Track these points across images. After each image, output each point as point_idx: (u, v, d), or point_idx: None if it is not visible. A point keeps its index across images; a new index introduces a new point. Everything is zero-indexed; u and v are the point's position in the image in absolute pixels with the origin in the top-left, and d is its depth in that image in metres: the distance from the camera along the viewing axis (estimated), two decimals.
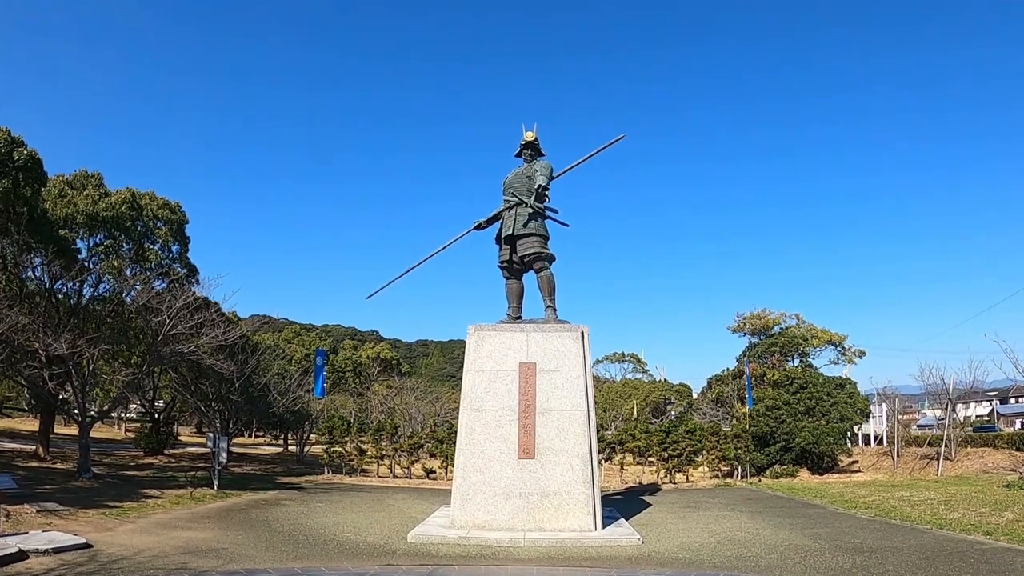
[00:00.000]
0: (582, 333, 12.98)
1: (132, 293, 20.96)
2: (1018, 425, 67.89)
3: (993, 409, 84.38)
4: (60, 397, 22.70)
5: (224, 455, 20.59)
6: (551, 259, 14.22)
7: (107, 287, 22.43)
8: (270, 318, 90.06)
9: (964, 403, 51.79)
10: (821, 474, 30.68)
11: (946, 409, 35.75)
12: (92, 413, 22.92)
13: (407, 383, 51.98)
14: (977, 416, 73.30)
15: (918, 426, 55.91)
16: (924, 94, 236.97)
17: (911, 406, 59.66)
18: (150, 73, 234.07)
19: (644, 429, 29.13)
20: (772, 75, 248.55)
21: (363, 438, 27.20)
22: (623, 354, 74.26)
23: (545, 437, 12.40)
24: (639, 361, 74.35)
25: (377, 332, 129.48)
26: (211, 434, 20.77)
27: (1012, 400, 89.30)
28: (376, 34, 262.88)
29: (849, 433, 35.95)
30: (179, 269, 24.77)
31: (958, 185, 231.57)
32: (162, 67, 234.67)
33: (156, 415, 35.94)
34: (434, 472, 25.06)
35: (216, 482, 19.73)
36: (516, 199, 14.00)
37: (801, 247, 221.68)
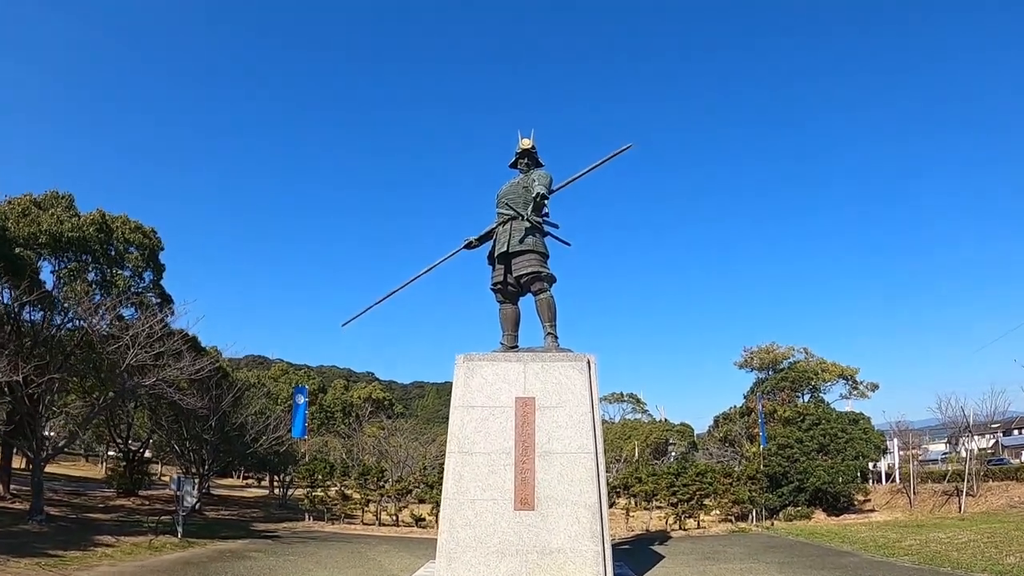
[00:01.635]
0: (588, 363, 11.23)
1: (95, 320, 19.26)
2: None
3: (997, 441, 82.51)
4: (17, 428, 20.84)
5: (190, 499, 18.75)
6: (552, 280, 12.45)
7: (71, 313, 20.78)
8: (264, 358, 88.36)
9: (968, 436, 50.44)
10: (837, 515, 29.00)
11: (966, 442, 34.20)
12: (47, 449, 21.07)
13: (400, 425, 50.23)
14: (981, 449, 71.70)
15: (919, 461, 54.29)
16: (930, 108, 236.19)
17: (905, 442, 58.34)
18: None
19: (651, 472, 27.30)
20: (778, 103, 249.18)
21: (347, 482, 25.36)
22: (621, 394, 72.91)
23: (546, 484, 10.60)
24: (638, 401, 73.07)
25: (372, 374, 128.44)
26: (176, 476, 18.93)
27: (1016, 431, 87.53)
28: (371, 47, 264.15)
29: (861, 470, 34.27)
30: (152, 298, 23.13)
31: (971, 202, 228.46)
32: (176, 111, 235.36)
33: (130, 454, 34.00)
34: (423, 520, 23.18)
35: (180, 529, 17.87)
36: (511, 212, 12.32)
37: (806, 278, 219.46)
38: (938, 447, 79.05)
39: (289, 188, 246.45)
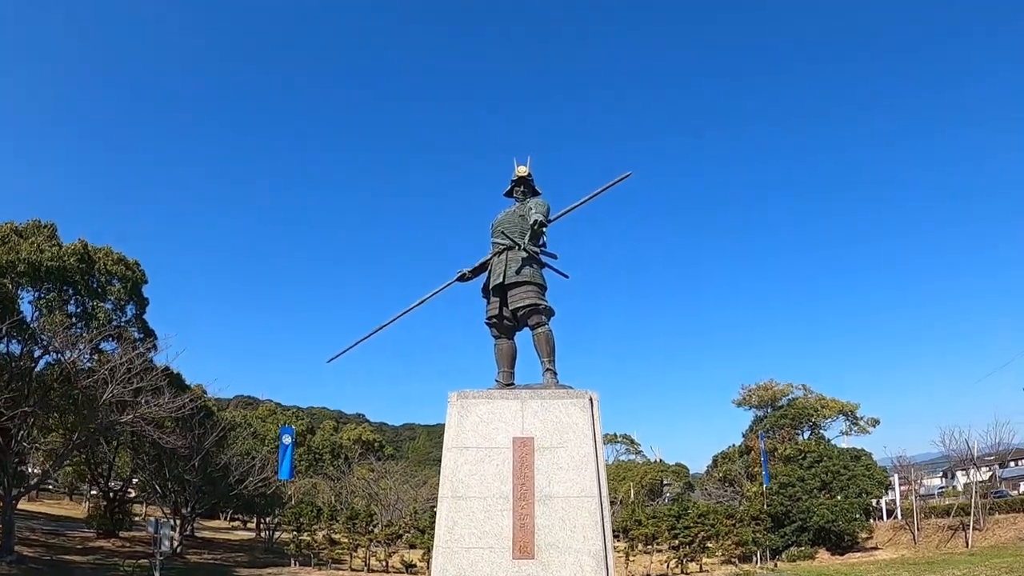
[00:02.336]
0: (590, 400, 10.55)
1: (73, 353, 18.55)
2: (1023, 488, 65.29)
3: (994, 474, 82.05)
4: None
5: (168, 542, 17.86)
6: (550, 313, 11.71)
7: (49, 346, 20.06)
8: (253, 399, 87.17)
9: (963, 470, 50.33)
10: (842, 554, 28.28)
11: (969, 475, 33.85)
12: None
13: (390, 467, 49.32)
14: (980, 482, 71.05)
15: (919, 496, 53.74)
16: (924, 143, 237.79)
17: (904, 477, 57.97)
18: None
19: (651, 514, 26.54)
20: (779, 138, 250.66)
21: (335, 526, 24.44)
22: (615, 435, 72.48)
23: (547, 531, 9.87)
24: (632, 442, 72.97)
25: (363, 415, 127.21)
26: (153, 518, 18.08)
27: (1012, 463, 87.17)
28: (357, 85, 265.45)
29: (864, 508, 33.60)
30: (134, 332, 22.47)
31: (969, 231, 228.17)
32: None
33: (111, 493, 32.91)
34: (414, 566, 22.28)
35: (157, 575, 16.94)
36: (507, 241, 11.66)
37: (804, 314, 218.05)
38: (935, 481, 78.23)
39: (284, 228, 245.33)
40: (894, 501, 41.44)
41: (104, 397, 17.39)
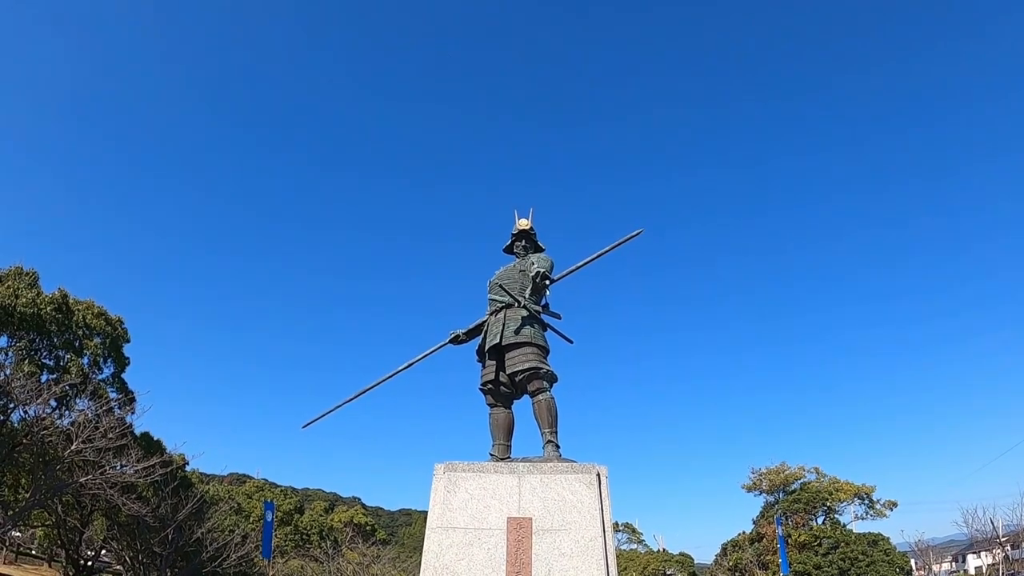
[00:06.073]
0: (598, 476, 9.31)
1: (38, 406, 17.37)
2: None
3: (1007, 555, 78.59)
4: None
5: None
6: (553, 378, 10.53)
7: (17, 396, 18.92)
8: (248, 476, 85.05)
9: (986, 551, 47.85)
10: None
11: (995, 555, 32.38)
12: None
13: (385, 552, 47.19)
14: (989, 565, 68.52)
15: None
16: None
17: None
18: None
19: None
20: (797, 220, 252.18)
21: None
22: (616, 523, 69.82)
23: None
24: (633, 531, 70.10)
25: (358, 499, 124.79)
26: None
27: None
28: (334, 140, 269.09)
29: None
30: (112, 392, 21.34)
31: (981, 300, 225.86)
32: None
33: (81, 562, 30.87)
34: None
35: None
36: (507, 298, 10.58)
37: (814, 395, 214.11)
38: (944, 566, 75.10)
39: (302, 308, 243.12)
40: None
41: (68, 452, 16.12)
